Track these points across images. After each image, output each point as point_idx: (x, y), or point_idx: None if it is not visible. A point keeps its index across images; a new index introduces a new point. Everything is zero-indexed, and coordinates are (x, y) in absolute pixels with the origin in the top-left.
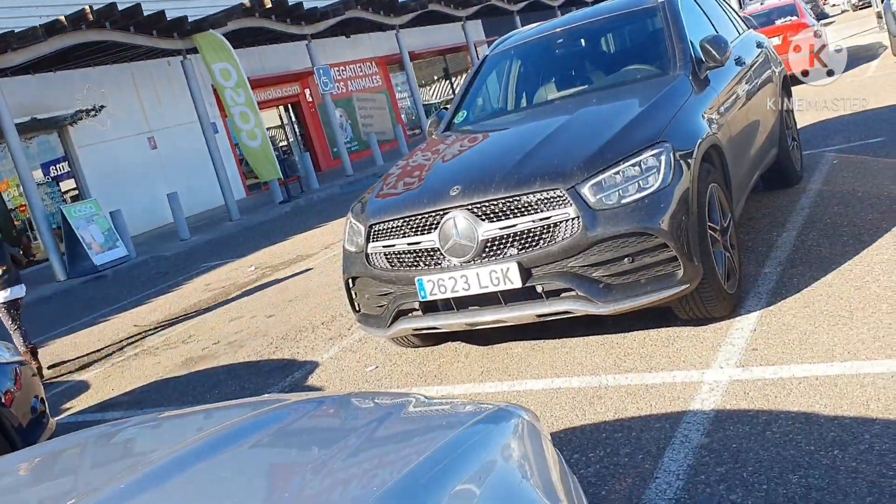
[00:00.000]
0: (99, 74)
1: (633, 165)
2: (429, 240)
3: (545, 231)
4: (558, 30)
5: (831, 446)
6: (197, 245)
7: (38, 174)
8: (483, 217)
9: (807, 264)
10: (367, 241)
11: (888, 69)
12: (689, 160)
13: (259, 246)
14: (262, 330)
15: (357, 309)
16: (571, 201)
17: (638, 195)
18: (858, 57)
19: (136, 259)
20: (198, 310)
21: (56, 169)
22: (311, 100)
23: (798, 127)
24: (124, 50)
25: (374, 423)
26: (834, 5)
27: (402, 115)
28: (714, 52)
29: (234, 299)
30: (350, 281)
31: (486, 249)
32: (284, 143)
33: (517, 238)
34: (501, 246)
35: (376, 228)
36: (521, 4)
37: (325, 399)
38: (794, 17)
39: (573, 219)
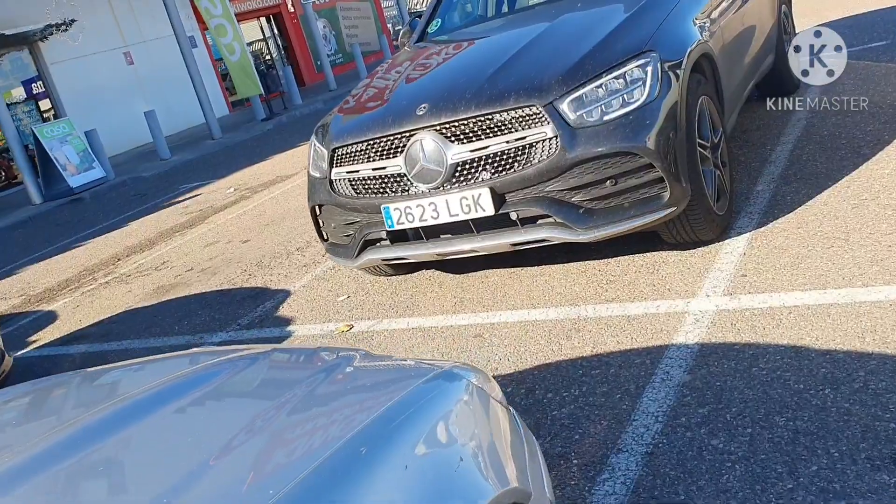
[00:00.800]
0: None
1: (617, 78)
2: (394, 164)
3: (520, 153)
4: None
5: (822, 384)
6: (177, 165)
7: (20, 92)
8: (453, 139)
9: (802, 181)
10: (331, 166)
11: None
12: (678, 71)
13: (239, 166)
14: (236, 256)
15: (325, 238)
16: (549, 119)
17: (622, 111)
18: None
19: (114, 180)
20: (174, 234)
21: (33, 87)
22: (292, 10)
23: (797, 31)
24: None
25: (313, 382)
26: None
27: (389, 25)
28: None
29: (211, 223)
30: (316, 209)
31: (457, 174)
32: (267, 57)
33: (490, 161)
34: (473, 170)
35: (340, 152)
36: None
37: (265, 353)
38: None
39: (551, 138)
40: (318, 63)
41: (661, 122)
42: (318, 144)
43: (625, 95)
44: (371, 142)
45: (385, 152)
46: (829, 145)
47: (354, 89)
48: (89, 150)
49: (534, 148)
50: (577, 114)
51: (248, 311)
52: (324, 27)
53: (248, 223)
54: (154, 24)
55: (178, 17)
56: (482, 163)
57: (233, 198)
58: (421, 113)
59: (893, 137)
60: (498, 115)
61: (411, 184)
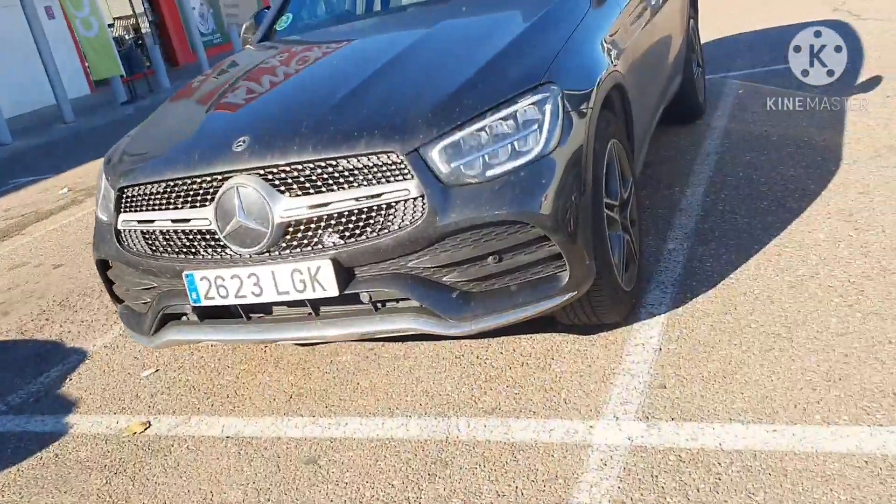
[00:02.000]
0: None
1: (506, 119)
2: (201, 217)
3: (375, 215)
4: None
5: None
6: (16, 152)
7: None
8: (283, 188)
9: (721, 239)
10: (118, 210)
11: None
12: (585, 109)
13: (84, 158)
14: (41, 287)
15: (119, 299)
16: (413, 171)
17: (511, 164)
18: None
19: None
20: None
21: None
22: None
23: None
24: None
25: None
26: None
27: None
28: None
29: (28, 234)
30: (100, 265)
31: (288, 238)
32: (134, 34)
33: (333, 223)
34: (310, 234)
35: (129, 194)
36: None
37: None
38: None
39: (415, 198)
40: (194, 42)
41: (560, 179)
42: (105, 178)
43: (515, 143)
44: (170, 183)
45: (189, 199)
46: (748, 192)
47: (161, 106)
48: None
49: (393, 209)
50: (452, 166)
51: (26, 383)
52: (201, 4)
53: (69, 239)
54: None
55: None
56: (323, 224)
57: (63, 201)
58: (239, 149)
59: (819, 188)
60: (345, 160)
61: (225, 245)
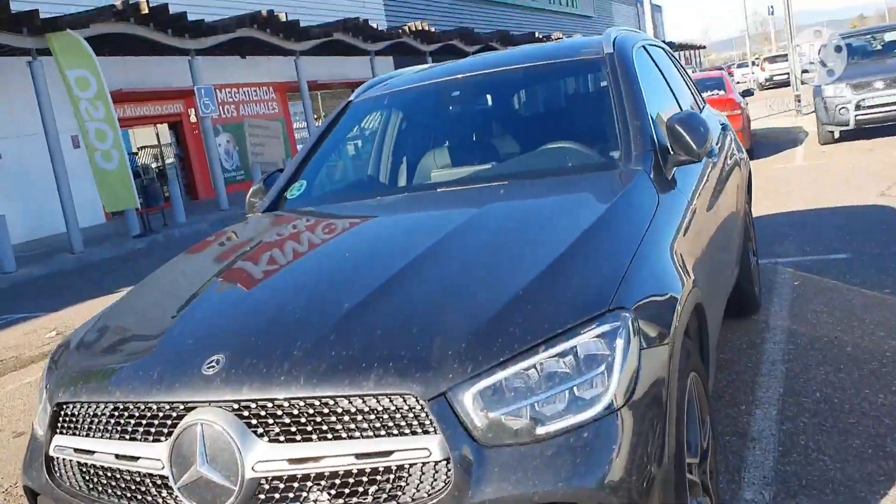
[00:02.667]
0: None
1: (563, 355)
2: (153, 456)
3: (380, 479)
4: (456, 77)
5: None
6: (18, 283)
7: None
8: (260, 430)
9: (811, 493)
10: (52, 429)
11: (818, 159)
12: (666, 341)
13: (82, 296)
14: None
15: None
16: (437, 424)
17: (570, 418)
18: (780, 141)
19: None
20: None
21: None
22: (194, 121)
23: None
24: None
25: None
26: (738, 83)
27: (299, 147)
28: (689, 140)
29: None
30: (29, 493)
31: (261, 498)
32: (156, 166)
33: (324, 485)
34: (290, 496)
35: (69, 411)
36: (435, 46)
37: None
38: (722, 92)
39: (438, 462)
40: (216, 177)
41: (635, 442)
42: (45, 383)
43: (575, 388)
44: (119, 406)
45: (140, 431)
46: (832, 423)
47: (159, 269)
48: None
49: (406, 475)
50: (490, 418)
51: None
52: (227, 141)
53: None
54: (34, 119)
55: (51, 114)
56: (309, 486)
57: (49, 346)
58: (209, 372)
59: None
60: (346, 401)
61: (176, 498)
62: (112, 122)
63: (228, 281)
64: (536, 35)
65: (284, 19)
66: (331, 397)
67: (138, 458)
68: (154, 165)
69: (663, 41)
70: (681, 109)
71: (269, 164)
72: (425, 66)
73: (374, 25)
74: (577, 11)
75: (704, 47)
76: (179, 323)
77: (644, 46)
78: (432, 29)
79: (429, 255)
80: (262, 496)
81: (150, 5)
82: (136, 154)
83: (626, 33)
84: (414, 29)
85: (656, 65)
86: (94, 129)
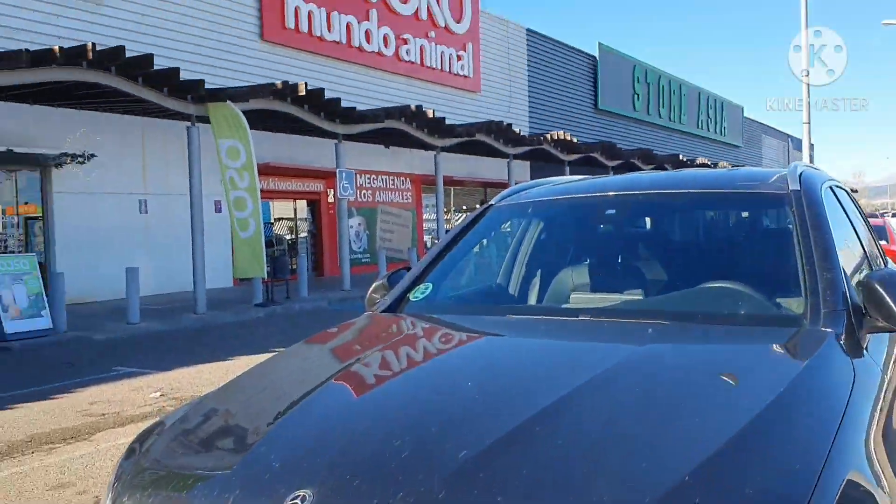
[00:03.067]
0: (97, 119)
1: None
2: None
3: None
4: (612, 193)
5: None
6: (138, 335)
7: (31, 209)
8: None
9: None
10: None
11: None
12: None
13: (194, 358)
14: None
15: None
16: None
17: None
18: None
19: (61, 335)
20: (39, 447)
21: (29, 210)
22: (332, 201)
23: None
24: (122, 101)
25: None
26: None
27: (426, 238)
28: (892, 304)
29: (95, 443)
30: None
31: None
32: (291, 237)
33: None
34: None
35: None
36: (575, 157)
37: None
38: (884, 242)
39: None
40: (343, 257)
41: None
42: (113, 482)
43: None
44: None
45: None
46: None
47: (231, 384)
48: (43, 295)
49: None
50: None
51: None
52: (359, 224)
53: None
54: (182, 179)
55: (199, 177)
56: None
57: (150, 407)
58: None
59: None
60: None
61: None
62: (254, 192)
63: (336, 392)
64: (680, 157)
65: (431, 116)
66: None
67: None
68: (288, 237)
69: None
70: (869, 263)
71: (394, 251)
72: (575, 177)
73: (517, 130)
74: (724, 139)
75: (857, 191)
76: (272, 434)
77: (831, 187)
78: (574, 139)
79: (572, 400)
80: None
81: (308, 88)
82: (273, 224)
83: (811, 170)
84: (556, 138)
85: (843, 209)
86: (236, 198)
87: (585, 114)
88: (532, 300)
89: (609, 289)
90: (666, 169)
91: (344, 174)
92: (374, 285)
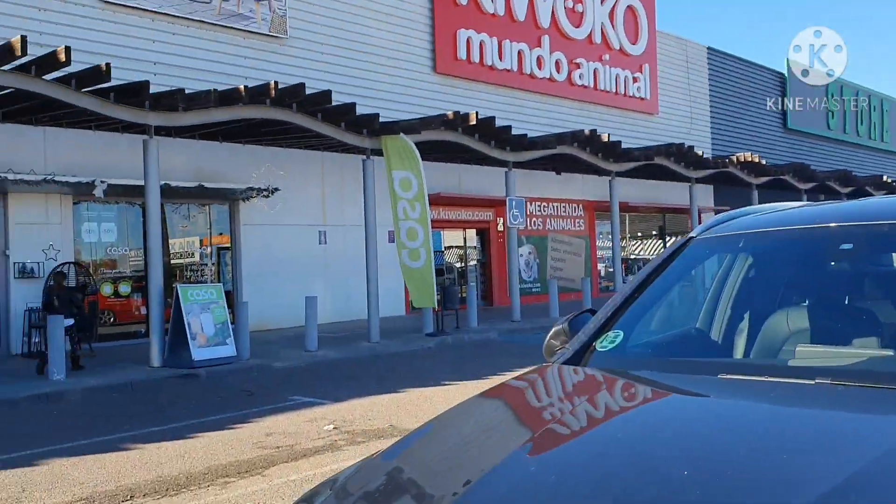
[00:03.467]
0: (279, 154)
1: None
2: None
3: None
4: (842, 224)
5: None
6: (314, 363)
7: (224, 240)
8: None
9: None
10: None
11: None
12: None
13: (366, 389)
14: None
15: None
16: None
17: None
18: None
19: (243, 363)
20: (215, 479)
21: (222, 241)
22: (501, 229)
23: None
24: (302, 137)
25: None
26: None
27: (600, 266)
28: None
29: (268, 478)
30: None
31: None
32: (460, 266)
33: None
34: None
35: None
36: (764, 179)
37: None
38: None
39: None
40: (512, 287)
41: None
42: None
43: None
44: None
45: None
46: None
47: (408, 440)
48: (229, 323)
49: None
50: None
51: None
52: (529, 253)
53: None
54: (358, 210)
55: (374, 209)
56: None
57: (323, 441)
58: None
59: None
60: None
61: None
62: (425, 223)
63: (523, 463)
64: (885, 179)
65: (606, 140)
66: None
67: None
68: (457, 266)
69: None
70: None
71: (566, 280)
72: (789, 204)
73: (699, 152)
74: None
75: None
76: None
77: None
78: (763, 161)
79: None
80: None
81: (479, 117)
82: (443, 253)
83: None
84: (742, 160)
85: None
86: (408, 228)
87: (774, 134)
88: (740, 348)
89: (839, 340)
90: (868, 192)
91: (514, 202)
92: (553, 330)
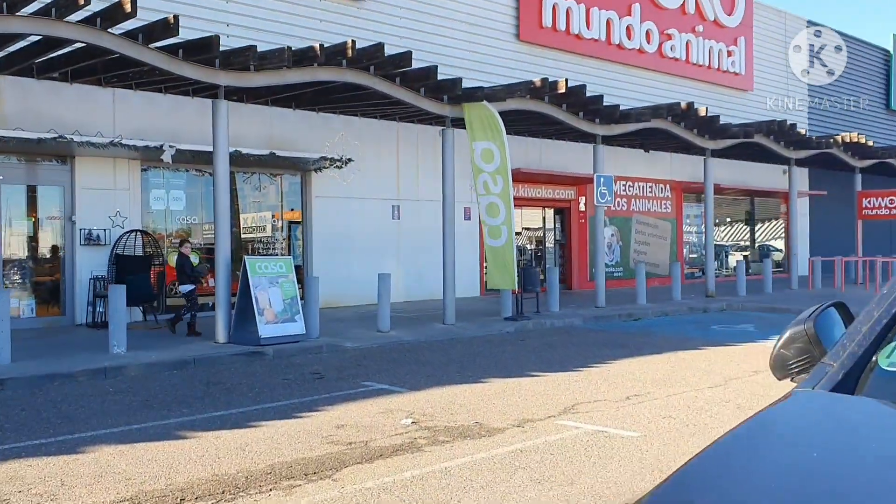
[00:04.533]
0: (353, 123)
1: None
2: None
3: None
4: None
5: None
6: (388, 344)
7: (295, 215)
8: None
9: None
10: None
11: None
12: None
13: (445, 377)
14: None
15: None
16: None
17: None
18: None
19: (312, 342)
20: (280, 480)
21: (292, 215)
22: (583, 209)
23: None
24: (378, 105)
25: None
26: None
27: (685, 251)
28: None
29: (337, 485)
30: None
31: None
32: (537, 247)
33: None
34: None
35: None
36: (868, 162)
37: None
38: None
39: None
40: (594, 270)
41: None
42: None
43: None
44: None
45: None
46: None
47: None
48: (298, 299)
49: None
50: None
51: None
52: (612, 235)
53: None
54: (435, 184)
55: (452, 182)
56: None
57: (402, 438)
58: None
59: None
60: None
61: None
62: (507, 198)
63: None
64: None
65: (704, 114)
66: None
67: None
68: (533, 248)
69: None
70: None
71: (650, 266)
72: None
73: (802, 131)
74: None
75: None
76: None
77: None
78: (870, 142)
79: None
80: None
81: (568, 86)
82: (519, 234)
83: None
84: (847, 140)
85: None
86: (488, 204)
87: (877, 114)
88: None
89: None
90: None
91: (602, 179)
92: (787, 334)
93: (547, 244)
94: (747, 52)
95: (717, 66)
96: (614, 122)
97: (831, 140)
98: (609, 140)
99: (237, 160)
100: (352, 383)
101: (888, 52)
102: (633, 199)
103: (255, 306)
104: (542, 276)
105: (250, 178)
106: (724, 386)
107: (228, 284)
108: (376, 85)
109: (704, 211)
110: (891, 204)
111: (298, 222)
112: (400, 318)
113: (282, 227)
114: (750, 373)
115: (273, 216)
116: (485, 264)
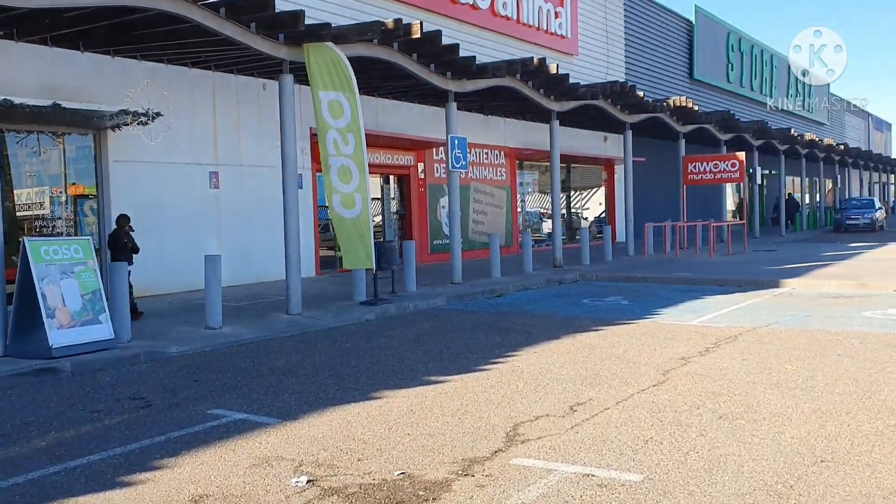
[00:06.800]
0: (157, 72)
1: None
2: None
3: None
4: None
5: None
6: (225, 346)
7: (83, 188)
8: None
9: None
10: None
11: None
12: None
13: (321, 394)
14: None
15: None
16: None
17: None
18: None
19: (124, 348)
20: None
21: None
22: (422, 176)
23: None
24: (192, 48)
25: None
26: None
27: (519, 220)
28: None
29: None
30: None
31: None
32: (379, 218)
33: None
34: None
35: None
36: (690, 128)
37: None
38: None
39: None
40: (436, 242)
41: None
42: None
43: None
44: None
45: None
46: None
47: None
48: (102, 293)
49: None
50: None
51: None
52: (444, 207)
53: None
54: (259, 148)
55: (294, 146)
56: None
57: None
58: None
59: None
60: None
61: None
62: (361, 161)
63: None
64: (793, 133)
65: (554, 71)
66: None
67: None
68: (377, 220)
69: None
70: None
71: (484, 235)
72: None
73: (641, 94)
74: (811, 116)
75: None
76: None
77: None
78: (695, 107)
79: None
80: None
81: (423, 31)
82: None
83: None
84: (677, 104)
85: None
86: (339, 167)
87: (681, 83)
88: None
89: None
90: (775, 146)
91: (457, 141)
92: None
93: (384, 216)
94: (573, 15)
95: (545, 28)
96: (468, 76)
97: (665, 104)
98: (458, 98)
99: (7, 114)
100: (194, 413)
101: (691, 22)
102: (471, 167)
103: (42, 305)
104: (396, 253)
105: (25, 139)
106: (667, 382)
107: (1, 276)
108: (195, 15)
109: (551, 178)
110: (715, 168)
111: (88, 196)
112: (231, 309)
113: (66, 201)
114: (678, 361)
115: (53, 190)
116: (318, 235)
